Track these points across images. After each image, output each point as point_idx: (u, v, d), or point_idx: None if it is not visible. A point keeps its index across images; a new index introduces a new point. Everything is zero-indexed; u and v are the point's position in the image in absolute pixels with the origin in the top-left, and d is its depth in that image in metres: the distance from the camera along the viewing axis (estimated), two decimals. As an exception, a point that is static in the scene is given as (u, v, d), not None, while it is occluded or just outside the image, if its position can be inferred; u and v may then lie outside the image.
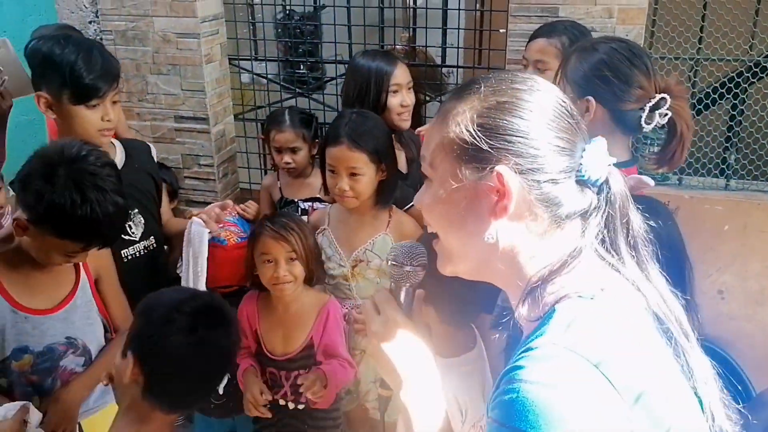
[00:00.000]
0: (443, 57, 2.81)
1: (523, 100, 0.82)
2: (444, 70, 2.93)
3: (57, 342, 1.60)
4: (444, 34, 2.77)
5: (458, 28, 2.74)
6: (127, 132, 2.84)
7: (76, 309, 1.62)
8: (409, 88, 2.24)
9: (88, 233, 1.46)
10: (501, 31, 2.63)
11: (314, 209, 2.54)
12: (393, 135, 2.20)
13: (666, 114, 1.53)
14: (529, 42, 2.21)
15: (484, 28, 2.76)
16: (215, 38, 2.82)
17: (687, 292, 1.38)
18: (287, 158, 2.53)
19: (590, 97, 1.55)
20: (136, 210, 1.95)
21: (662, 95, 1.52)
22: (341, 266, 2.02)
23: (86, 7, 2.81)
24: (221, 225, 2.04)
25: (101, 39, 2.80)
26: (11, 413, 1.45)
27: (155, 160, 2.17)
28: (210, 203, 2.91)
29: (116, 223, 1.51)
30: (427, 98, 2.65)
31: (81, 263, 1.65)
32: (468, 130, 0.81)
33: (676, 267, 1.35)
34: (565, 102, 0.85)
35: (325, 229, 2.08)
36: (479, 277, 0.90)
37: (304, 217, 2.51)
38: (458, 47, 2.78)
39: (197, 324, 1.25)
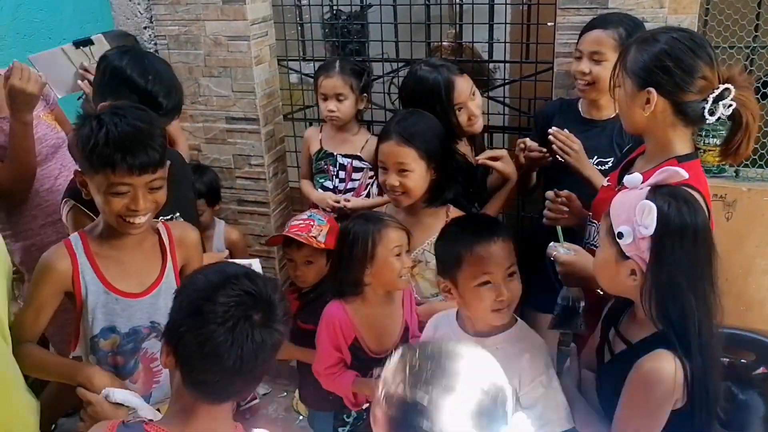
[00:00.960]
0: (490, 52, 2.80)
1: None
2: (491, 65, 2.92)
3: (142, 325, 1.66)
4: (491, 30, 2.76)
5: (505, 23, 2.73)
6: (182, 134, 2.92)
7: (161, 294, 1.67)
8: (473, 93, 2.22)
9: (108, 153, 1.48)
10: (549, 24, 2.61)
11: (353, 167, 2.58)
12: (468, 136, 2.23)
13: (730, 105, 1.50)
14: (582, 34, 2.19)
15: (532, 21, 2.74)
16: (264, 40, 2.88)
17: (713, 280, 1.35)
18: (332, 105, 2.52)
19: (651, 89, 1.53)
20: (178, 214, 2.02)
21: (726, 85, 1.50)
22: None
23: (141, 14, 2.90)
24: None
25: (155, 44, 2.89)
26: (129, 401, 1.50)
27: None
28: (261, 202, 2.99)
29: (135, 141, 1.51)
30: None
31: (170, 252, 1.70)
32: None
33: (704, 255, 1.34)
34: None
35: None
36: None
37: (343, 174, 2.65)
38: (505, 42, 2.77)
39: (229, 317, 1.13)
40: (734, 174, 2.48)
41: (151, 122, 1.57)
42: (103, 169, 1.50)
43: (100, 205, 1.57)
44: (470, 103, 2.20)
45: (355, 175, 2.65)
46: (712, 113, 1.51)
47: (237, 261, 1.94)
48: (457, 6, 2.90)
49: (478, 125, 2.25)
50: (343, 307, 1.90)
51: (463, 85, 2.19)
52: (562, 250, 1.66)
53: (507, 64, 2.88)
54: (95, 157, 1.49)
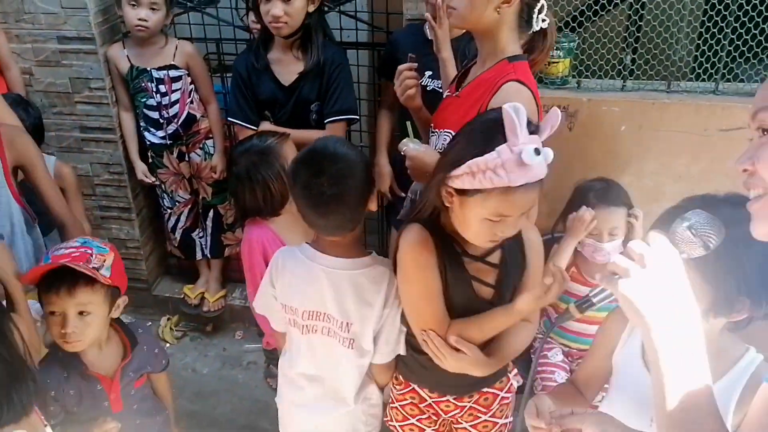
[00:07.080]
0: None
1: None
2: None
3: None
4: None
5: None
6: (10, 57, 2.65)
7: None
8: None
9: None
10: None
11: (170, 78, 2.61)
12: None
13: (545, 20, 1.61)
14: None
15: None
16: (93, -54, 2.61)
17: None
18: (143, 14, 2.48)
19: None
20: None
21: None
22: None
23: None
24: None
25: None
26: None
27: None
28: (107, 128, 2.80)
29: None
30: (326, 8, 2.54)
31: None
32: None
33: None
34: None
35: None
36: None
37: (162, 87, 2.64)
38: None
39: None
40: (576, 85, 2.56)
41: None
42: None
43: None
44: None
45: (175, 86, 2.66)
46: (533, 22, 1.61)
47: None
48: None
49: (280, 26, 2.25)
50: (266, 226, 1.84)
51: None
52: (411, 146, 1.72)
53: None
54: None
